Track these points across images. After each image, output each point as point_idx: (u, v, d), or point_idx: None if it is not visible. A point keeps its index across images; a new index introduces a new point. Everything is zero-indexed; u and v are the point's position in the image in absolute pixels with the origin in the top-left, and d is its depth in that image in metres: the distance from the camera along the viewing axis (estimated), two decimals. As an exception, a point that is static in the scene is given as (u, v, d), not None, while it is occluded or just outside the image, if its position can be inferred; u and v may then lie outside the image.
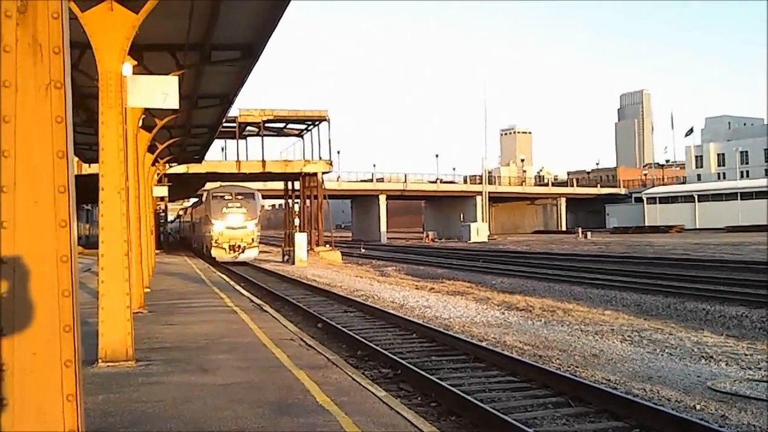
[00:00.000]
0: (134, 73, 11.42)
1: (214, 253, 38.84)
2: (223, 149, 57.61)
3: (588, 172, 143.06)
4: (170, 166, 38.13)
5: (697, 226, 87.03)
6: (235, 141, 47.03)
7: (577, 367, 10.87)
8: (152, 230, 31.68)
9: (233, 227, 39.01)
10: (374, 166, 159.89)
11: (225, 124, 31.89)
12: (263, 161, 47.25)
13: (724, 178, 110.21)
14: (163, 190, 38.24)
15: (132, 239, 10.86)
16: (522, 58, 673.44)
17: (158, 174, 35.10)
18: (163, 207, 60.39)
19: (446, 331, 13.84)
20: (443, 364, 11.07)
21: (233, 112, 38.37)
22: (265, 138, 47.74)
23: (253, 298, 18.14)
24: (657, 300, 21.14)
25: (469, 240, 76.28)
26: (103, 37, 9.24)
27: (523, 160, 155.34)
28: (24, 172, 3.10)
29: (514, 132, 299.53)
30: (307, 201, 49.61)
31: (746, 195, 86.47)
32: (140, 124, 16.77)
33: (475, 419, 7.82)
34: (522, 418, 7.72)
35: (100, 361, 8.88)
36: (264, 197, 48.41)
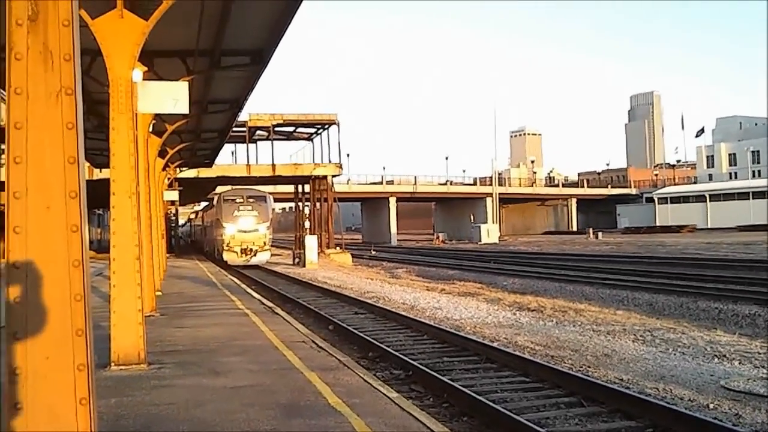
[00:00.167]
0: (144, 79, 11.49)
1: (226, 256, 38.68)
2: (233, 153, 57.69)
3: (598, 173, 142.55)
4: (181, 171, 38.25)
5: (709, 226, 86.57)
6: (245, 145, 47.17)
7: (589, 367, 10.84)
8: (163, 234, 31.84)
9: (245, 230, 38.84)
10: (384, 168, 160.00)
11: (235, 129, 31.99)
12: (273, 165, 47.37)
13: (736, 177, 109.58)
14: (173, 195, 38.32)
15: (143, 243, 10.91)
16: (532, 59, 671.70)
17: (169, 178, 35.26)
18: (173, 211, 60.58)
19: (457, 332, 13.82)
20: (455, 365, 11.06)
21: (243, 116, 38.43)
22: (275, 142, 47.90)
23: (265, 301, 18.17)
24: (669, 299, 21.03)
25: (480, 241, 76.14)
26: (113, 43, 9.30)
27: (533, 162, 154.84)
28: (36, 177, 3.13)
29: (524, 133, 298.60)
30: (318, 204, 49.68)
31: (758, 194, 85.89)
32: (151, 130, 16.87)
33: (488, 420, 7.81)
34: (534, 419, 7.70)
35: (112, 364, 8.93)
36: (274, 200, 48.40)
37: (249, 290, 21.78)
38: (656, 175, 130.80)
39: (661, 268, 31.56)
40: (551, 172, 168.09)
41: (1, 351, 3.12)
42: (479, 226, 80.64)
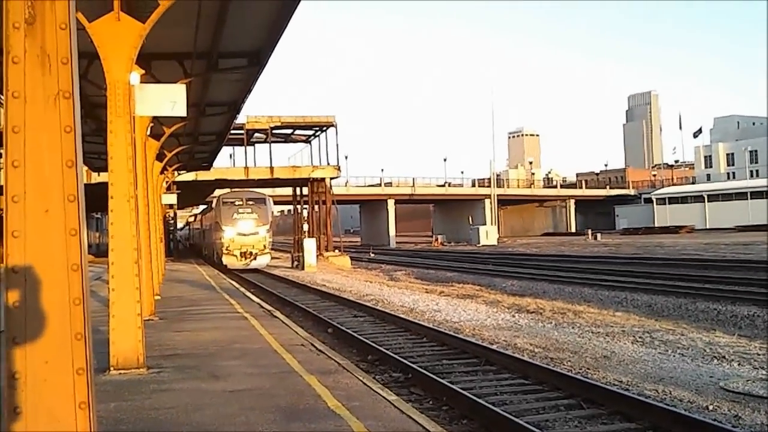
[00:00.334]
0: (142, 82, 11.48)
1: (225, 260, 38.20)
2: (231, 156, 57.75)
3: (597, 174, 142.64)
4: (179, 174, 38.24)
5: (707, 226, 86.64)
6: (243, 148, 47.11)
7: (588, 368, 10.84)
8: (162, 238, 31.79)
9: (244, 233, 38.27)
10: (382, 170, 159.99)
11: (233, 131, 31.97)
12: (271, 167, 47.36)
13: (734, 177, 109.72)
14: (172, 198, 38.20)
15: (142, 247, 10.90)
16: (529, 60, 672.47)
17: (167, 182, 35.24)
18: (172, 214, 60.55)
19: (456, 335, 13.82)
20: (454, 367, 11.05)
21: (241, 119, 38.43)
22: (273, 144, 47.87)
23: (263, 304, 18.15)
24: (668, 301, 21.05)
25: (479, 243, 76.18)
26: (110, 46, 9.29)
27: (531, 163, 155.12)
28: (34, 181, 3.12)
29: (522, 134, 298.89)
30: (316, 206, 49.68)
31: (756, 194, 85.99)
32: (149, 133, 16.84)
33: (487, 422, 7.80)
34: (534, 421, 7.70)
35: (111, 368, 8.91)
36: (273, 203, 48.37)
37: (248, 294, 21.76)
38: (654, 175, 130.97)
39: (660, 270, 31.60)
40: (549, 173, 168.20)
41: (0, 355, 3.11)
42: (478, 228, 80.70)
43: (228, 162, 55.93)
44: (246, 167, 47.47)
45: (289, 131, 48.60)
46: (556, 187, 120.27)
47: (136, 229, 9.41)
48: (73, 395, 3.07)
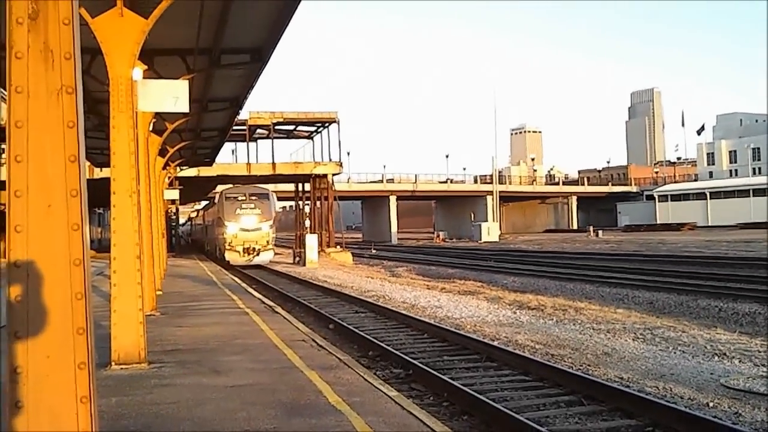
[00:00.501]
0: (145, 78, 11.49)
1: (228, 256, 37.83)
2: (233, 152, 57.59)
3: (599, 171, 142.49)
4: (181, 169, 38.22)
5: (710, 224, 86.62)
6: (245, 144, 47.10)
7: (589, 365, 10.84)
8: (164, 233, 31.81)
9: (247, 229, 37.81)
10: (384, 166, 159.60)
11: (235, 127, 31.98)
12: (273, 163, 47.37)
13: (736, 175, 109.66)
14: (174, 193, 38.17)
15: (144, 242, 10.92)
16: (532, 57, 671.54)
17: (169, 177, 35.24)
18: (174, 210, 60.59)
19: (458, 331, 13.83)
20: (455, 363, 11.06)
21: (243, 114, 38.45)
22: (275, 140, 47.89)
23: (265, 300, 18.18)
24: (669, 298, 21.04)
25: (480, 240, 76.13)
26: (113, 42, 9.30)
27: (533, 159, 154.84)
28: (36, 176, 3.13)
29: (524, 131, 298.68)
30: (318, 202, 49.69)
31: (758, 192, 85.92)
32: (151, 128, 16.86)
33: (488, 418, 7.81)
34: (534, 417, 7.71)
35: (113, 363, 8.93)
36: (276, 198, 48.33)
37: (249, 289, 21.78)
38: (657, 172, 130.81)
39: (662, 266, 31.58)
40: (551, 169, 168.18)
41: (1, 350, 3.13)
42: (480, 225, 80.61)
43: (230, 158, 56.05)
44: (248, 163, 47.46)
45: (291, 127, 48.62)
46: (558, 183, 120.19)
47: (138, 224, 9.43)
48: (75, 390, 3.08)
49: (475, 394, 8.47)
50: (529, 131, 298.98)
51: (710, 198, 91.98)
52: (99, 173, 32.44)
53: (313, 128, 48.43)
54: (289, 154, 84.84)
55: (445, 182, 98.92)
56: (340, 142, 77.01)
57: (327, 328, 15.60)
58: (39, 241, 3.10)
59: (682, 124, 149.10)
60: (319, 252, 41.55)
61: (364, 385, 7.89)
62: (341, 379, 8.11)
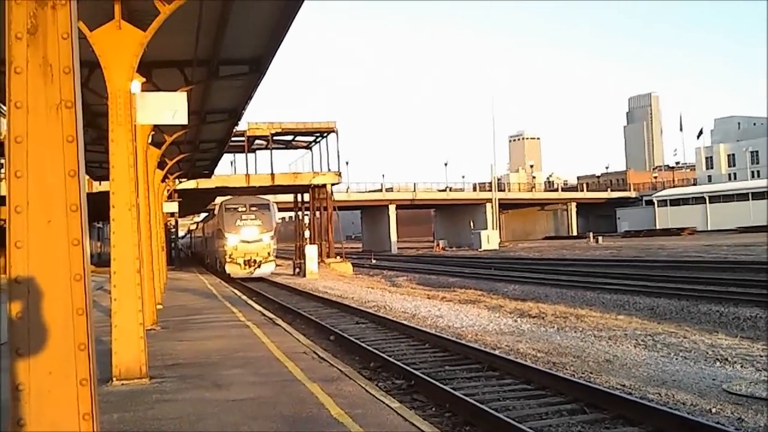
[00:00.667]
0: (143, 90, 11.50)
1: (228, 269, 37.23)
2: (232, 163, 57.56)
3: (598, 177, 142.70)
4: (180, 182, 38.17)
5: (709, 228, 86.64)
6: (244, 155, 47.08)
7: (591, 373, 10.81)
8: (163, 246, 31.78)
9: (248, 240, 37.21)
10: (383, 175, 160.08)
11: (234, 138, 31.98)
12: (272, 174, 47.37)
13: (735, 178, 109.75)
14: (173, 206, 38.00)
15: (144, 256, 10.89)
16: (528, 62, 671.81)
17: (168, 190, 35.20)
18: (173, 223, 60.56)
19: (459, 340, 13.80)
20: (457, 373, 11.03)
21: (242, 126, 38.42)
22: (273, 151, 47.91)
23: (265, 312, 18.14)
24: (670, 303, 21.03)
25: (480, 248, 76.13)
26: (111, 55, 9.30)
27: (532, 166, 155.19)
28: (36, 191, 3.12)
29: (523, 138, 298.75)
30: (317, 213, 49.69)
31: (757, 195, 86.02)
32: (150, 141, 16.86)
33: (490, 428, 7.78)
34: (537, 426, 7.69)
35: (114, 379, 8.89)
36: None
37: (249, 302, 21.74)
38: (655, 177, 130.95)
39: (662, 272, 31.57)
40: (550, 176, 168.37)
41: (1, 367, 3.11)
42: (479, 233, 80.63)
43: (229, 169, 56.00)
44: (247, 174, 47.47)
45: (289, 138, 48.64)
46: (557, 190, 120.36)
47: (138, 238, 9.41)
48: (77, 406, 3.06)
49: (478, 404, 8.44)
50: (527, 138, 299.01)
51: (709, 202, 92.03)
52: (98, 187, 32.45)
53: (311, 138, 48.46)
54: (288, 164, 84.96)
55: (444, 190, 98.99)
56: (338, 151, 77.28)
57: (328, 339, 15.56)
58: (39, 256, 3.09)
59: (681, 129, 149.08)
60: (319, 262, 41.45)
61: (366, 396, 7.86)
62: (343, 391, 8.08)
